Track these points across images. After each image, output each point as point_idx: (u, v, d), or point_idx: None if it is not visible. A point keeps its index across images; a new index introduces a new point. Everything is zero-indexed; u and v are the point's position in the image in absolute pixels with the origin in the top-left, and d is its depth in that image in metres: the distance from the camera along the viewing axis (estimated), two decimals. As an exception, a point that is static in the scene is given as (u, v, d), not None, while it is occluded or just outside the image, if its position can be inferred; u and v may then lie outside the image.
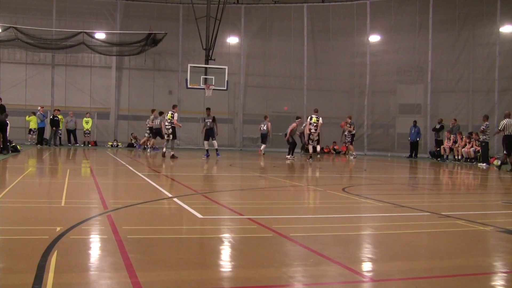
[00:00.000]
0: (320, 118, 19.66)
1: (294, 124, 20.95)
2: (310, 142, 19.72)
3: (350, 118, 24.81)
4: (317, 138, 19.73)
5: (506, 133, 17.04)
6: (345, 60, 30.39)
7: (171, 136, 18.89)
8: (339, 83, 30.91)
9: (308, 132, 19.72)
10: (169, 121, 18.82)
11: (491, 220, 6.49)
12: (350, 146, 24.32)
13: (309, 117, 19.92)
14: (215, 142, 19.88)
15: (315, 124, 19.45)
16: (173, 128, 18.87)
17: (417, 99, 28.15)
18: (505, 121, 17.19)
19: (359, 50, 29.73)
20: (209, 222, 5.94)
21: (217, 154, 19.93)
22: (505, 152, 17.45)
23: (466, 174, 16.01)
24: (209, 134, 19.77)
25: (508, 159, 17.44)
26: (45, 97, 28.63)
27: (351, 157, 23.34)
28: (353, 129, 24.36)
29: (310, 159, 19.47)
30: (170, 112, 19.02)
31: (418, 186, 12.37)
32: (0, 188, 8.47)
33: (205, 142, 20.08)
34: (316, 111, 19.97)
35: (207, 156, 19.48)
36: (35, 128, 26.75)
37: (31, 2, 28.97)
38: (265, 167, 16.93)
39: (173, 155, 18.47)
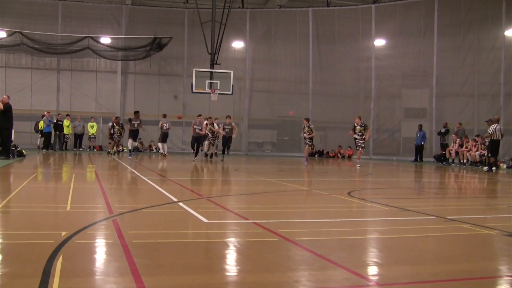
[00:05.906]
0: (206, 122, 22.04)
1: (204, 124, 21.23)
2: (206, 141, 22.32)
3: (307, 120, 20.90)
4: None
5: (494, 137, 18.33)
6: (350, 65, 30.38)
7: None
8: (344, 87, 30.88)
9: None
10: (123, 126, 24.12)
11: (497, 224, 6.46)
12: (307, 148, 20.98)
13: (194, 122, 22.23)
14: (135, 143, 24.03)
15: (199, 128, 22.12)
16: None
17: (423, 103, 28.15)
18: (494, 126, 18.39)
19: (364, 55, 29.74)
20: (214, 226, 5.93)
21: (130, 155, 22.98)
22: (489, 155, 18.87)
23: (471, 178, 15.94)
24: (135, 135, 23.28)
25: (491, 161, 18.77)
26: (50, 102, 28.73)
27: (305, 162, 20.69)
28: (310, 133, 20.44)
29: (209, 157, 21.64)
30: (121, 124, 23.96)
31: (424, 190, 12.34)
32: (6, 193, 8.49)
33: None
34: (199, 115, 21.91)
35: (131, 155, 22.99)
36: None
37: (36, 7, 29.09)
38: (270, 171, 16.91)
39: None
